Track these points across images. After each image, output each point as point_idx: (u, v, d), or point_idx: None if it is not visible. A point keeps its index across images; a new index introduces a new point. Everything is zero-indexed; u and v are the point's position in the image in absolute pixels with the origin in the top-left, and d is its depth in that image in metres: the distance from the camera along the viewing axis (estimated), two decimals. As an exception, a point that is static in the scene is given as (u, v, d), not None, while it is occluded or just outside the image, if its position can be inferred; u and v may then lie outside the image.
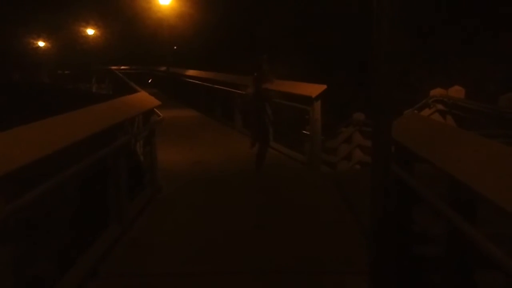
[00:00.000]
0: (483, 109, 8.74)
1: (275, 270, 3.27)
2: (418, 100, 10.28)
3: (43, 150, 2.56)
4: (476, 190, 1.93)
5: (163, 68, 20.82)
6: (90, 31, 36.41)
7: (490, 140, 2.29)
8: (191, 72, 15.62)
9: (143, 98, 5.31)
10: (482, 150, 2.25)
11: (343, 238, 3.78)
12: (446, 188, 2.37)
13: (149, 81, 24.11)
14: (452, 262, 2.33)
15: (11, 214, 2.18)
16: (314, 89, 6.21)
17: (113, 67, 24.81)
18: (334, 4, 16.59)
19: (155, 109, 5.17)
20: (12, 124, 2.63)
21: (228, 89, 10.34)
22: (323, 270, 3.26)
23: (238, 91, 9.41)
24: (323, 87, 6.15)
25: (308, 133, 6.49)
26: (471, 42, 14.56)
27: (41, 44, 38.81)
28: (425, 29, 15.21)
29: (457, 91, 9.90)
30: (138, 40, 31.47)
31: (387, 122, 2.44)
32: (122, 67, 26.04)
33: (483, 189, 1.89)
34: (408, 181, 2.69)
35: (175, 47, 26.49)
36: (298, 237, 3.83)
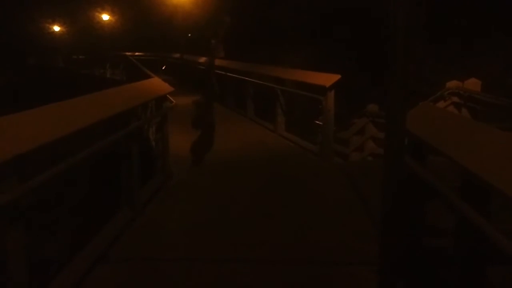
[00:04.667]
0: (500, 102, 8.60)
1: (282, 259, 3.27)
2: (434, 92, 10.15)
3: (56, 133, 2.57)
4: (491, 183, 1.90)
5: (177, 55, 20.81)
6: (105, 17, 36.52)
7: (506, 132, 2.25)
8: (204, 60, 15.58)
9: (156, 84, 5.31)
10: (498, 143, 2.21)
11: (353, 229, 3.76)
12: (459, 181, 2.34)
13: (163, 67, 24.16)
14: (463, 256, 2.31)
15: (23, 194, 2.20)
16: (327, 79, 6.15)
17: (128, 53, 24.89)
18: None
19: (168, 95, 5.18)
20: (26, 106, 2.64)
21: (240, 77, 10.32)
22: (332, 260, 3.25)
23: (251, 80, 9.37)
24: (337, 76, 6.09)
25: (320, 123, 6.45)
26: (489, 35, 14.30)
27: (56, 28, 39.03)
28: (441, 21, 14.97)
29: (473, 84, 9.75)
30: (153, 26, 31.46)
31: (401, 113, 2.40)
32: (137, 53, 26.12)
33: (498, 183, 1.86)
34: (421, 173, 2.65)
35: (189, 35, 26.44)
36: (307, 226, 3.82)
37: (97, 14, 36.29)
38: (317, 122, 6.52)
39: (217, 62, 13.68)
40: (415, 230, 2.89)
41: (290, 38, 17.92)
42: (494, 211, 2.20)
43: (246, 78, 9.91)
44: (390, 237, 2.48)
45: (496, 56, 13.52)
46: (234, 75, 10.85)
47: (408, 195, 2.77)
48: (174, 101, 5.33)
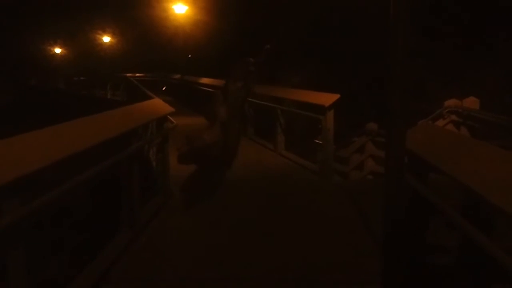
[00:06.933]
0: (498, 120, 8.62)
1: (283, 278, 3.25)
2: (433, 111, 10.19)
3: (57, 154, 2.58)
4: (491, 202, 1.90)
5: (177, 76, 20.95)
6: (106, 39, 36.88)
7: (505, 151, 2.26)
8: (204, 80, 15.70)
9: (157, 105, 5.35)
10: (497, 161, 2.22)
11: (354, 247, 3.74)
12: (460, 199, 2.34)
13: (163, 88, 24.29)
14: (466, 274, 2.30)
15: (25, 216, 2.20)
16: (327, 98, 6.19)
17: (128, 74, 25.07)
18: (349, 12, 16.59)
19: (168, 116, 5.20)
20: (28, 128, 2.66)
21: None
22: (333, 279, 3.23)
23: (251, 99, 9.42)
24: (336, 96, 6.13)
25: (320, 142, 6.46)
26: (488, 53, 14.44)
27: (57, 50, 39.42)
28: (440, 39, 15.15)
29: (472, 102, 9.79)
30: (154, 48, 31.77)
31: (401, 132, 2.42)
32: (137, 75, 26.31)
33: (499, 201, 1.86)
34: (421, 191, 2.66)
35: (189, 55, 26.67)
36: (307, 245, 3.80)
37: (98, 36, 36.65)
38: (317, 141, 6.53)
39: (216, 82, 13.82)
40: (418, 248, 2.88)
41: (290, 58, 18.07)
42: (497, 229, 2.20)
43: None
44: (392, 255, 2.47)
45: (495, 73, 13.64)
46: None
47: (409, 213, 2.77)
48: (174, 122, 5.35)
